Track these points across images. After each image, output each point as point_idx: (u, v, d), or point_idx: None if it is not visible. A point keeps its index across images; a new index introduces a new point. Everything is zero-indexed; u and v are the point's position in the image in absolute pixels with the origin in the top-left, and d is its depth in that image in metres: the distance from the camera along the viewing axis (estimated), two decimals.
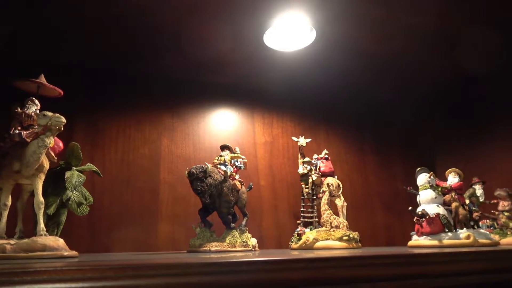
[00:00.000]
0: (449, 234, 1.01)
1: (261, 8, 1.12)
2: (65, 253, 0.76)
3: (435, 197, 1.10)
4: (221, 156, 1.16)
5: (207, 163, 1.06)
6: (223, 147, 1.19)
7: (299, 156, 1.36)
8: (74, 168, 0.96)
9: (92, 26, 1.20)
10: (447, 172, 1.19)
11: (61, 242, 0.78)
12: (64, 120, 0.79)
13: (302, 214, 1.28)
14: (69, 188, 0.91)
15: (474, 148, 1.69)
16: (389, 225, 1.69)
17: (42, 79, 0.91)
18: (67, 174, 0.92)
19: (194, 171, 1.02)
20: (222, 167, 1.12)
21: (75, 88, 1.40)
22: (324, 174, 1.32)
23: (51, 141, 0.79)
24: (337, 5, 1.12)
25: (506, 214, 1.28)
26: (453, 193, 1.11)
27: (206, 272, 0.52)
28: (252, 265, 0.54)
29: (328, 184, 1.27)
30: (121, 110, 1.45)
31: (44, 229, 0.79)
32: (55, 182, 0.93)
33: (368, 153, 1.76)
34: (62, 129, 0.80)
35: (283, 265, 0.55)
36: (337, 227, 1.19)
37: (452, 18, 1.20)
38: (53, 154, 0.86)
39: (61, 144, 0.93)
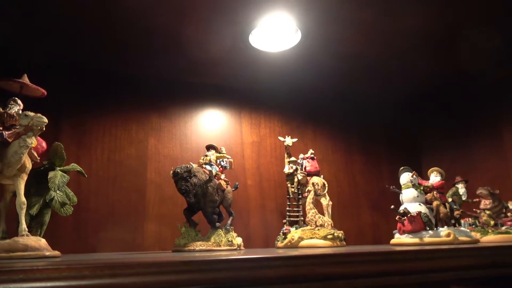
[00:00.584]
0: (430, 232, 1.03)
1: (245, 8, 1.12)
2: (47, 253, 0.76)
3: (417, 196, 1.11)
4: (206, 156, 1.17)
5: (191, 163, 1.07)
6: (209, 147, 1.19)
7: (286, 155, 1.37)
8: (58, 168, 0.96)
9: (79, 26, 1.20)
10: (429, 171, 1.21)
11: (43, 242, 0.79)
12: (45, 120, 0.79)
13: (288, 213, 1.29)
14: (52, 188, 0.91)
15: (459, 148, 1.72)
16: (375, 223, 1.71)
17: (25, 79, 0.91)
18: (50, 174, 0.92)
19: (178, 171, 1.03)
20: (208, 167, 1.12)
21: (61, 88, 1.40)
22: (310, 174, 1.33)
23: (33, 141, 0.79)
24: (321, 7, 1.13)
25: (487, 212, 1.30)
26: (434, 192, 1.13)
27: (184, 271, 0.53)
28: (230, 263, 0.55)
29: (313, 184, 1.29)
30: (108, 110, 1.45)
31: (26, 229, 0.79)
32: (38, 183, 0.92)
33: (355, 152, 1.78)
34: (44, 129, 0.80)
35: (260, 263, 0.56)
36: (321, 226, 1.21)
37: (437, 19, 1.22)
38: (35, 154, 0.86)
39: (44, 144, 0.93)
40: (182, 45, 1.31)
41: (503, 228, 1.26)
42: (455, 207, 1.17)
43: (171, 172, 1.04)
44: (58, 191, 0.93)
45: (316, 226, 1.21)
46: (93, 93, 1.45)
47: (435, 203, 1.09)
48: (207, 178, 1.09)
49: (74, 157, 1.35)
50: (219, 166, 1.17)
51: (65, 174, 0.95)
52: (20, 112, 0.82)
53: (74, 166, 1.01)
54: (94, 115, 1.42)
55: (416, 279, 0.69)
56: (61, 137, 1.35)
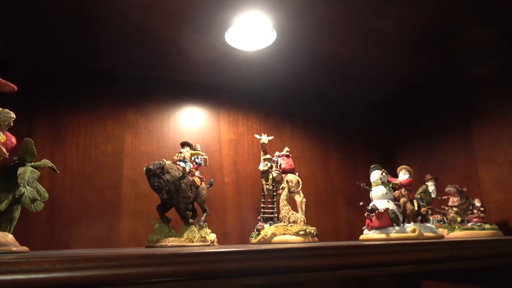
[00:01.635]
0: (397, 228, 1.07)
1: (221, 6, 1.13)
2: (14, 249, 0.76)
3: (386, 193, 1.15)
4: (181, 153, 1.18)
5: (164, 160, 1.07)
6: (183, 144, 1.20)
7: (262, 153, 1.39)
8: (28, 164, 0.96)
9: (53, 21, 1.19)
10: (398, 169, 1.25)
11: (10, 237, 0.79)
12: (13, 115, 0.79)
13: (262, 210, 1.31)
14: (22, 184, 0.90)
15: (431, 147, 1.77)
16: (350, 220, 1.75)
17: None
18: (20, 170, 0.91)
19: (151, 167, 1.03)
20: (181, 164, 1.13)
21: (35, 84, 1.39)
22: (285, 171, 1.35)
23: (0, 136, 0.79)
24: (296, 7, 1.15)
25: (455, 209, 1.35)
26: (402, 189, 1.16)
27: (144, 264, 0.54)
28: (190, 257, 0.56)
29: (287, 181, 1.31)
30: (83, 106, 1.44)
31: None
32: (8, 178, 0.91)
33: (332, 151, 1.81)
34: (11, 124, 0.80)
35: (220, 257, 0.58)
36: (294, 222, 1.23)
37: (410, 22, 1.25)
38: (4, 150, 0.86)
39: (14, 139, 0.92)
40: (158, 42, 1.31)
41: (469, 224, 1.32)
42: (422, 204, 1.21)
43: (144, 168, 1.05)
44: (28, 187, 0.92)
45: (289, 222, 1.23)
46: (68, 90, 1.44)
47: (402, 200, 1.13)
48: (181, 174, 1.09)
49: (49, 154, 1.34)
50: (194, 163, 1.18)
51: (35, 170, 0.95)
52: None
53: (45, 162, 1.01)
54: (69, 111, 1.41)
55: (376, 272, 0.72)
56: (35, 133, 1.34)
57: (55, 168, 1.02)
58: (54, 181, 1.32)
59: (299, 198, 1.32)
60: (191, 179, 1.13)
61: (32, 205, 0.93)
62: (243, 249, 0.60)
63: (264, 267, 0.61)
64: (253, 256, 0.60)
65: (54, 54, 1.37)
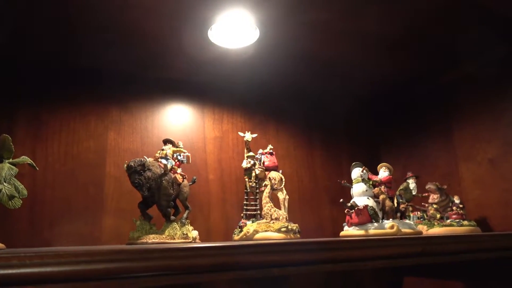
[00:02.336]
0: (375, 224, 1.08)
1: (204, 3, 1.13)
2: None
3: (366, 190, 1.17)
4: (163, 150, 1.18)
5: (146, 157, 1.07)
6: (166, 141, 1.20)
7: (245, 151, 1.39)
8: (6, 160, 0.95)
9: (34, 19, 1.17)
10: (378, 166, 1.27)
11: None
12: None
13: (245, 207, 1.32)
14: None
15: (414, 146, 1.80)
16: (334, 218, 1.76)
17: None
18: None
19: (132, 164, 1.03)
20: (163, 161, 1.14)
21: (16, 81, 1.38)
22: (268, 169, 1.36)
23: None
24: (279, 6, 1.16)
25: (435, 206, 1.38)
26: (382, 186, 1.18)
27: (115, 260, 0.54)
28: (161, 252, 0.57)
29: (270, 178, 1.32)
30: (65, 103, 1.43)
31: None
32: None
33: (316, 149, 1.83)
34: None
35: (193, 252, 0.58)
36: (277, 219, 1.24)
37: (392, 22, 1.27)
38: None
39: None
40: (142, 39, 1.31)
41: (448, 221, 1.34)
42: (401, 201, 1.23)
43: (125, 165, 1.04)
44: (5, 184, 0.92)
45: (272, 219, 1.24)
46: (49, 86, 1.42)
47: (381, 197, 1.15)
48: (162, 172, 1.10)
49: (30, 150, 1.33)
50: (176, 160, 1.19)
51: (13, 167, 0.94)
52: None
53: (24, 158, 1.00)
54: (50, 108, 1.40)
55: (349, 267, 0.73)
56: (16, 130, 1.33)
57: (34, 165, 1.01)
58: (35, 178, 1.31)
59: (282, 195, 1.33)
60: (172, 176, 1.13)
61: (9, 202, 0.92)
62: (214, 244, 0.61)
63: (236, 262, 0.61)
64: (225, 251, 0.60)
65: (36, 51, 1.36)
